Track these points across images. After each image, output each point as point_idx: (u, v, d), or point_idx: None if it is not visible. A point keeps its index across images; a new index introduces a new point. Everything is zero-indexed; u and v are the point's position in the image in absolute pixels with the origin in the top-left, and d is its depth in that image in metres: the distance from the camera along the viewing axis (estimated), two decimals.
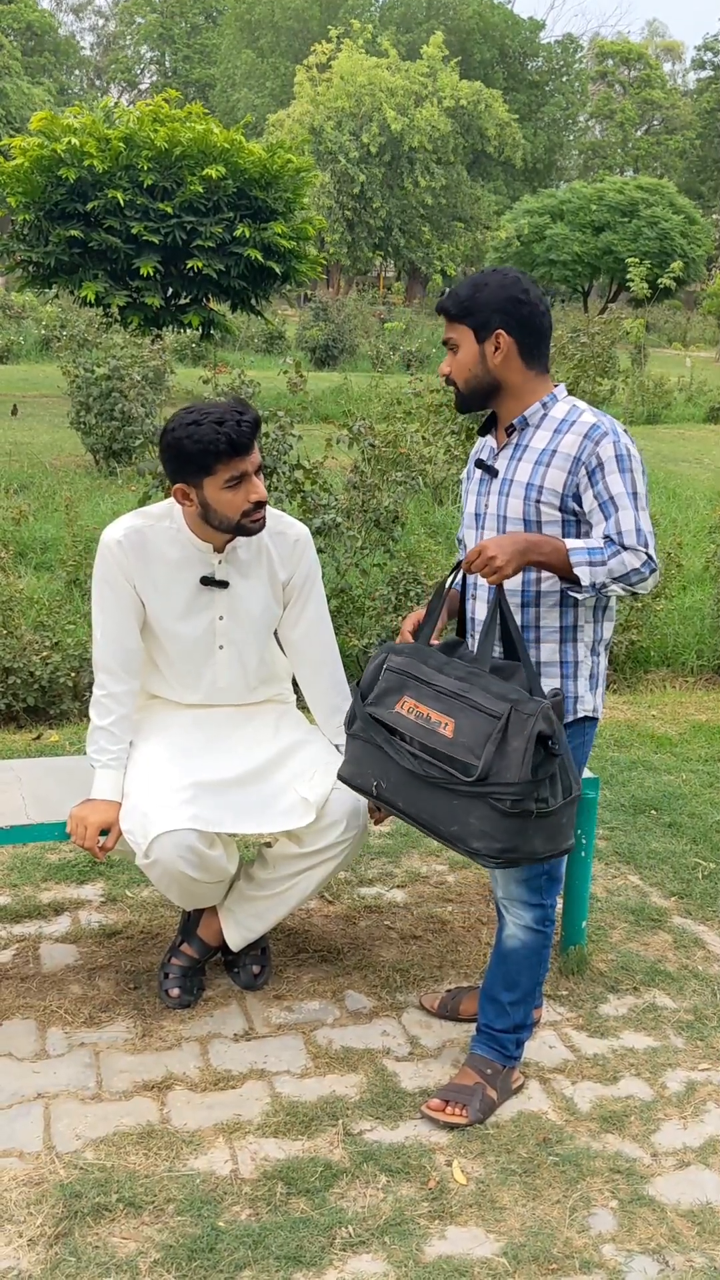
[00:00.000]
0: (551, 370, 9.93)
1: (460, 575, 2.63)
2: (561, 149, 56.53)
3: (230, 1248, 2.18)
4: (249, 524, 2.69)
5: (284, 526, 2.88)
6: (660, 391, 16.64)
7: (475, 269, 46.20)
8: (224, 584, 2.81)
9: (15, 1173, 2.36)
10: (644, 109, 58.83)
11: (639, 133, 59.23)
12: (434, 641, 2.62)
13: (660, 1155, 2.50)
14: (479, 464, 2.60)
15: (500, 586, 2.41)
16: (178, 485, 2.68)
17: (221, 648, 2.87)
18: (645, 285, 21.36)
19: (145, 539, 2.76)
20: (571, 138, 58.37)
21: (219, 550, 2.79)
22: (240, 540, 2.80)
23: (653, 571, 2.41)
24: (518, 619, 2.51)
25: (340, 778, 2.62)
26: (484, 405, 2.56)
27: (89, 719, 2.87)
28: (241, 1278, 2.13)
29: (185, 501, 2.70)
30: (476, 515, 2.61)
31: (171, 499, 2.78)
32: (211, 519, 2.69)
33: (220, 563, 2.80)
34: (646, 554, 2.39)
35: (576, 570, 2.37)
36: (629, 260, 24.85)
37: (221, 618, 2.84)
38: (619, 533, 2.39)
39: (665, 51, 67.31)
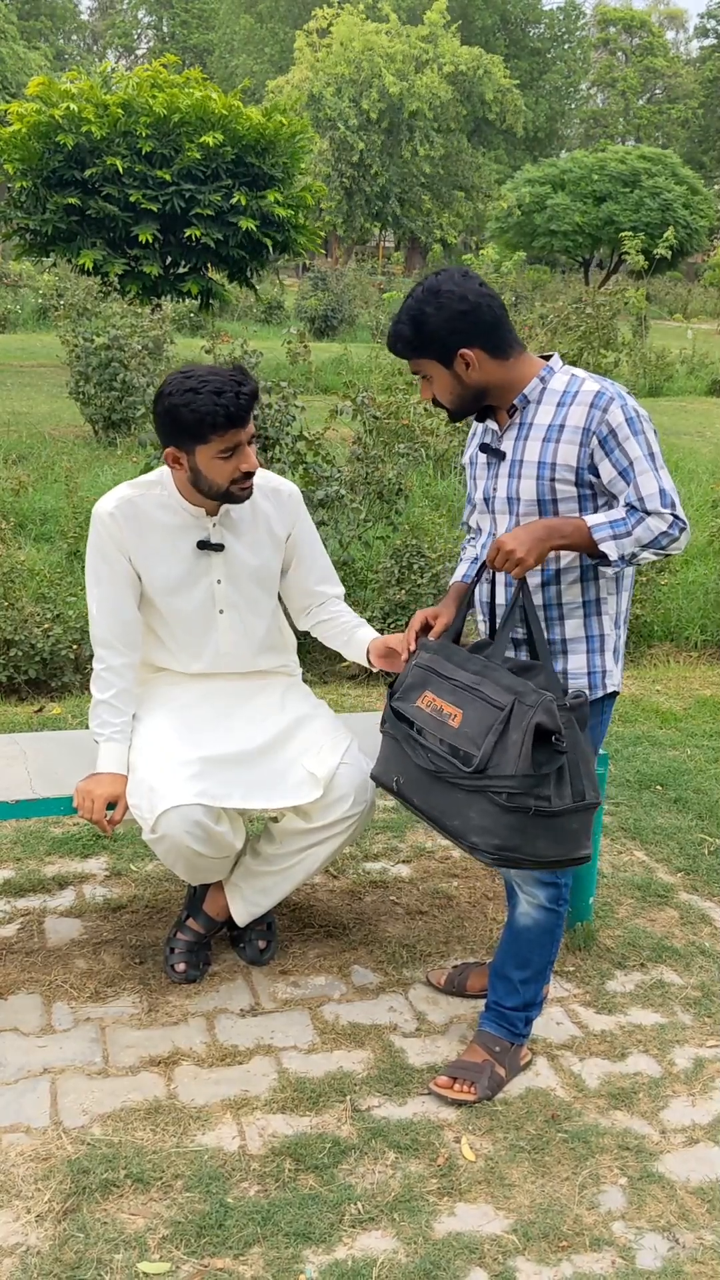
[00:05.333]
0: (552, 341, 9.73)
1: (491, 573, 2.56)
2: (563, 117, 56.09)
3: (239, 1224, 2.17)
4: (237, 492, 2.70)
5: (276, 483, 2.90)
6: (662, 363, 16.54)
7: (475, 239, 45.85)
8: (220, 547, 2.80)
9: (23, 1148, 2.35)
10: (646, 77, 58.30)
11: (641, 101, 58.71)
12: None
13: (669, 1132, 2.50)
14: (484, 448, 2.54)
15: (524, 581, 2.38)
16: (169, 449, 2.67)
17: (222, 612, 2.85)
18: (641, 258, 21.22)
19: (138, 508, 2.75)
20: (573, 106, 57.88)
21: (212, 514, 2.79)
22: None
23: (683, 531, 2.35)
24: (539, 597, 2.47)
25: (371, 776, 2.65)
26: (479, 408, 2.51)
27: (90, 693, 2.85)
28: (251, 1254, 2.12)
29: (175, 465, 2.70)
30: (486, 499, 2.56)
31: (160, 470, 2.79)
32: (200, 485, 2.68)
33: (214, 526, 2.80)
34: (672, 515, 2.33)
35: (602, 546, 2.33)
36: (623, 235, 24.66)
37: (219, 581, 2.83)
38: (640, 498, 2.34)
39: (668, 19, 66.65)
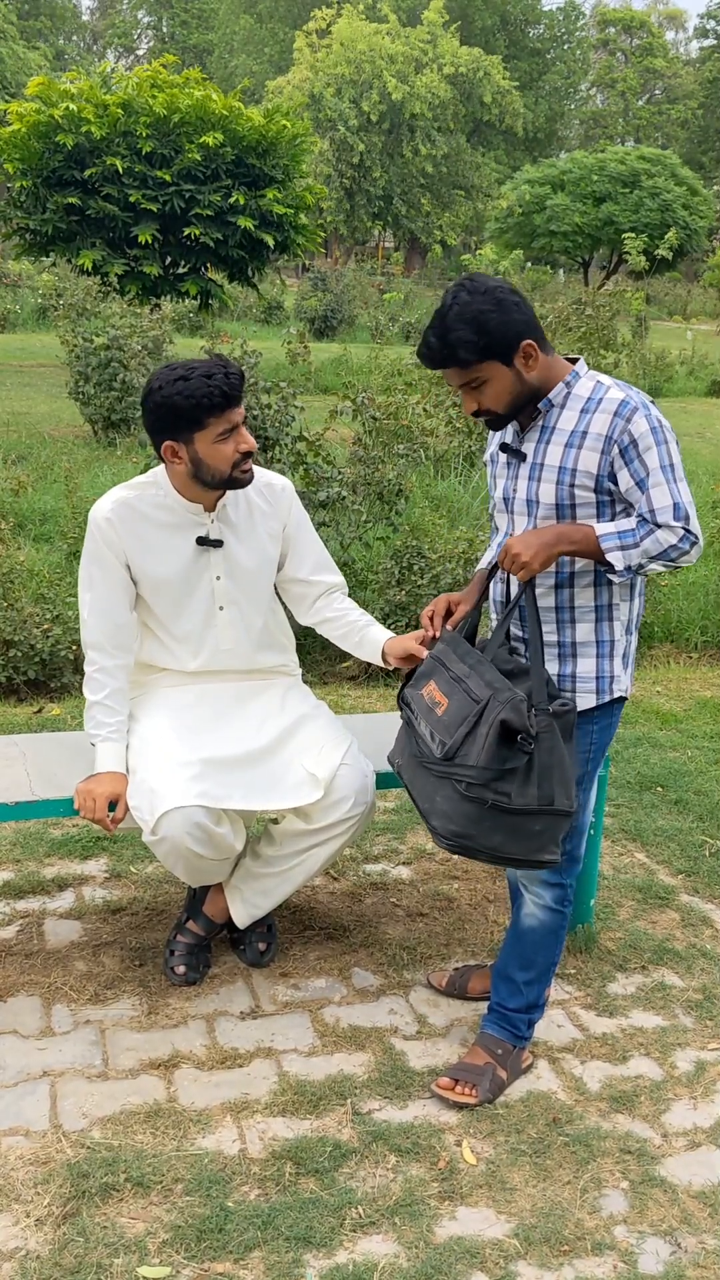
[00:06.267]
0: (552, 341, 9.85)
1: (505, 573, 2.58)
2: (563, 118, 56.07)
3: (240, 1228, 2.17)
4: (239, 475, 2.72)
5: (269, 478, 2.93)
6: (662, 364, 16.53)
7: (475, 239, 45.84)
8: (219, 543, 2.81)
9: (22, 1151, 2.34)
10: (646, 78, 58.31)
11: (640, 102, 58.72)
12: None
13: (671, 1136, 2.49)
14: (504, 448, 2.52)
15: (531, 585, 2.39)
16: (167, 444, 2.67)
17: (222, 608, 2.86)
18: (642, 258, 21.22)
19: (135, 509, 2.76)
20: (573, 106, 57.87)
21: (210, 510, 2.80)
22: (229, 498, 2.81)
23: (694, 545, 2.33)
24: (551, 600, 2.46)
25: (387, 758, 2.68)
26: (522, 411, 2.47)
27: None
28: (251, 1259, 2.11)
29: (174, 460, 2.70)
30: (505, 499, 2.55)
31: (153, 471, 2.80)
32: (203, 474, 2.69)
33: (213, 522, 2.81)
34: (684, 529, 2.31)
35: (609, 556, 2.32)
36: (625, 235, 24.65)
37: (219, 578, 2.84)
38: (652, 510, 2.31)
39: (668, 19, 66.63)
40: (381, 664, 2.92)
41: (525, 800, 2.29)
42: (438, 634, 2.65)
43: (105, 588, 2.78)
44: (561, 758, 2.32)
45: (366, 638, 2.95)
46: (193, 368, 2.61)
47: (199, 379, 2.58)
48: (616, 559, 2.32)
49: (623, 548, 2.32)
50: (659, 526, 2.31)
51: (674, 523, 2.31)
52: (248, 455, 2.70)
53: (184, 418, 2.61)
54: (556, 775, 2.31)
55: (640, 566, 2.34)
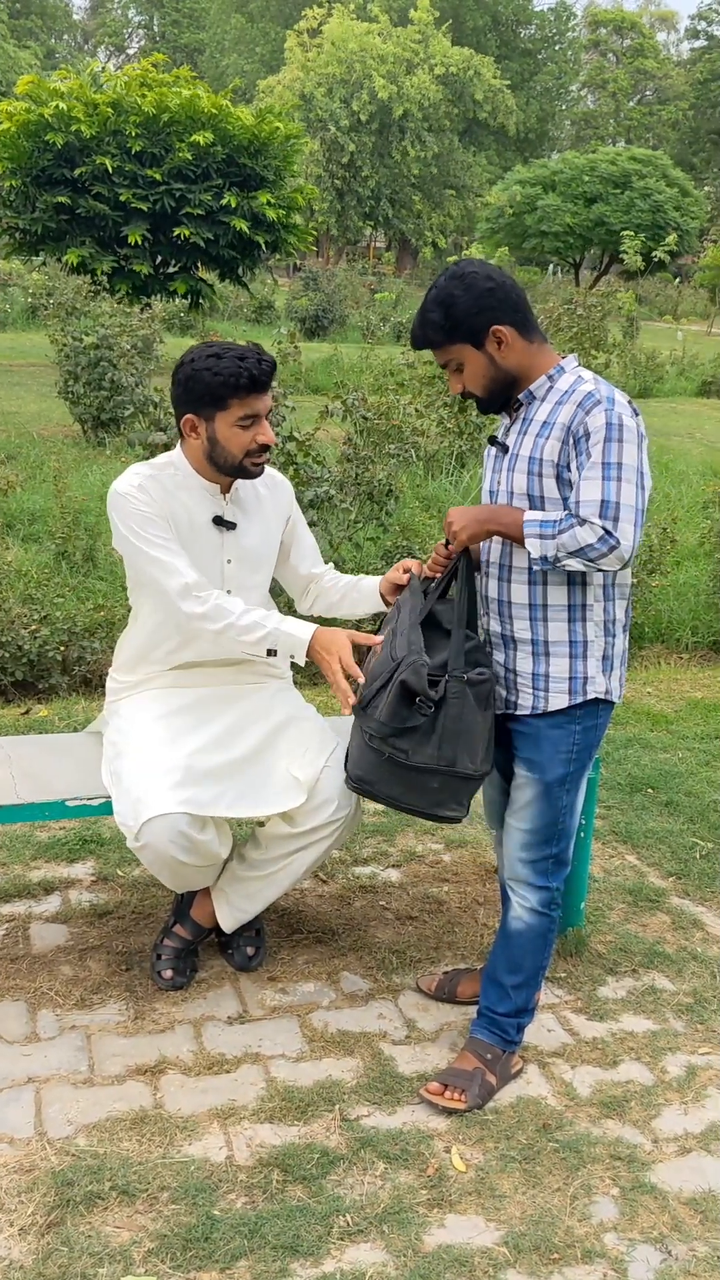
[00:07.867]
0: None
1: (483, 565, 2.61)
2: (554, 118, 56.09)
3: (226, 1237, 2.14)
4: (250, 466, 2.71)
5: (270, 471, 2.96)
6: (652, 364, 16.54)
7: (466, 240, 45.87)
8: (233, 525, 2.81)
9: (6, 1159, 2.31)
10: (637, 79, 58.35)
11: (631, 103, 58.76)
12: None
13: (661, 1141, 2.47)
14: (491, 440, 2.55)
15: (468, 555, 2.52)
16: (188, 418, 2.67)
17: (230, 593, 2.83)
18: (639, 258, 21.22)
19: (161, 485, 2.75)
20: (564, 107, 57.90)
21: (225, 491, 2.80)
22: (239, 483, 2.81)
23: (612, 549, 2.25)
24: (525, 596, 2.46)
25: None
26: (508, 397, 2.48)
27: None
28: (238, 1268, 2.08)
29: (193, 435, 2.70)
30: (491, 492, 2.55)
31: (168, 453, 2.79)
32: (216, 456, 2.69)
33: (228, 504, 2.81)
34: (604, 529, 2.24)
35: (527, 542, 2.33)
36: (624, 233, 24.66)
37: (229, 562, 2.83)
38: (577, 503, 2.28)
39: (659, 21, 66.63)
40: (384, 608, 2.92)
41: (423, 759, 2.43)
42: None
43: (162, 531, 2.68)
44: (471, 724, 2.42)
45: (362, 590, 2.97)
46: (228, 348, 2.63)
47: (231, 359, 2.59)
48: (534, 546, 2.32)
49: (541, 536, 2.31)
50: (582, 522, 2.28)
51: (596, 520, 2.26)
52: (264, 449, 2.70)
53: (209, 394, 2.61)
54: (463, 740, 2.42)
55: (556, 559, 2.32)
